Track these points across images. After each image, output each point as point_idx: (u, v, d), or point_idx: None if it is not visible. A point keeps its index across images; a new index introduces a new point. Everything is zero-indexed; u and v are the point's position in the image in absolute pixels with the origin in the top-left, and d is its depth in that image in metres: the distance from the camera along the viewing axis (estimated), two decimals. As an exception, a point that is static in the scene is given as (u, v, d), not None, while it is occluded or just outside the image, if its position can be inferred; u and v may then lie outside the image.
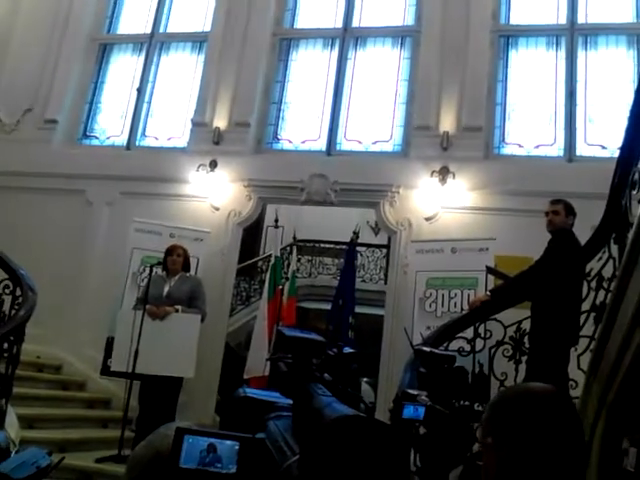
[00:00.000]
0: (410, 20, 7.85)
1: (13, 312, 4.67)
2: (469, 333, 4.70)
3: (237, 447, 0.97)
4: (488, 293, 4.74)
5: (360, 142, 7.61)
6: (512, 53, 7.43)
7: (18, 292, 4.77)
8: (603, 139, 6.85)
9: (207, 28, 8.34)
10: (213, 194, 7.47)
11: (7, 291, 4.85)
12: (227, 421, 1.12)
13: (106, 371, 6.29)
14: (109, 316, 6.44)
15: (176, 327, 5.83)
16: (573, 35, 7.19)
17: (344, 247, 10.84)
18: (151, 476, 1.22)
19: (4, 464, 1.09)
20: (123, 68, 8.73)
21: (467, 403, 3.41)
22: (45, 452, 1.19)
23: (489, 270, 5.38)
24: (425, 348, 2.82)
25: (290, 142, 7.87)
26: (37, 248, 7.27)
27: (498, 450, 1.03)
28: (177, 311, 5.88)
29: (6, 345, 4.41)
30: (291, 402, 1.07)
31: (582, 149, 6.92)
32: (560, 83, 7.11)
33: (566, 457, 1.01)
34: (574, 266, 4.25)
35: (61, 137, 8.38)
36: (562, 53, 7.22)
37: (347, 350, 1.23)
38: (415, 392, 2.49)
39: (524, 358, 4.45)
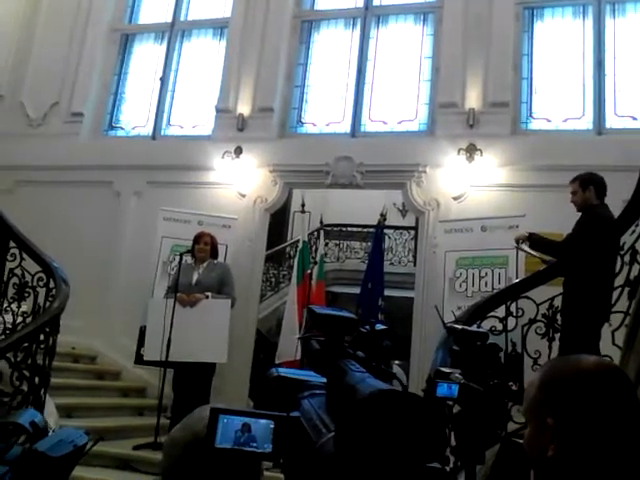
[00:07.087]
0: (432, -4, 7.73)
1: (47, 304, 4.73)
2: (501, 312, 4.65)
3: (272, 426, 0.96)
4: (526, 233, 4.79)
5: (385, 122, 7.54)
6: (537, 25, 7.25)
7: (52, 284, 4.82)
8: (634, 110, 6.69)
9: (227, 14, 8.32)
10: (239, 181, 7.48)
11: (41, 283, 4.91)
12: (261, 401, 1.12)
13: (140, 360, 6.33)
14: (141, 305, 6.48)
15: (207, 313, 5.87)
16: (600, 3, 6.99)
17: (371, 230, 10.79)
18: (189, 458, 1.23)
19: (41, 442, 1.09)
20: (145, 58, 8.77)
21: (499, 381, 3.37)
22: (82, 432, 1.20)
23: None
24: (457, 326, 2.79)
25: (314, 125, 7.83)
26: (68, 240, 7.36)
27: (561, 433, 0.99)
28: (207, 297, 5.92)
29: (42, 337, 4.47)
30: (325, 380, 1.06)
31: (612, 121, 6.76)
32: (588, 53, 6.94)
33: (632, 440, 0.97)
34: (605, 241, 4.17)
35: (87, 130, 8.47)
36: (589, 22, 7.03)
37: (379, 327, 1.22)
38: (448, 370, 2.46)
39: (557, 335, 4.40)
